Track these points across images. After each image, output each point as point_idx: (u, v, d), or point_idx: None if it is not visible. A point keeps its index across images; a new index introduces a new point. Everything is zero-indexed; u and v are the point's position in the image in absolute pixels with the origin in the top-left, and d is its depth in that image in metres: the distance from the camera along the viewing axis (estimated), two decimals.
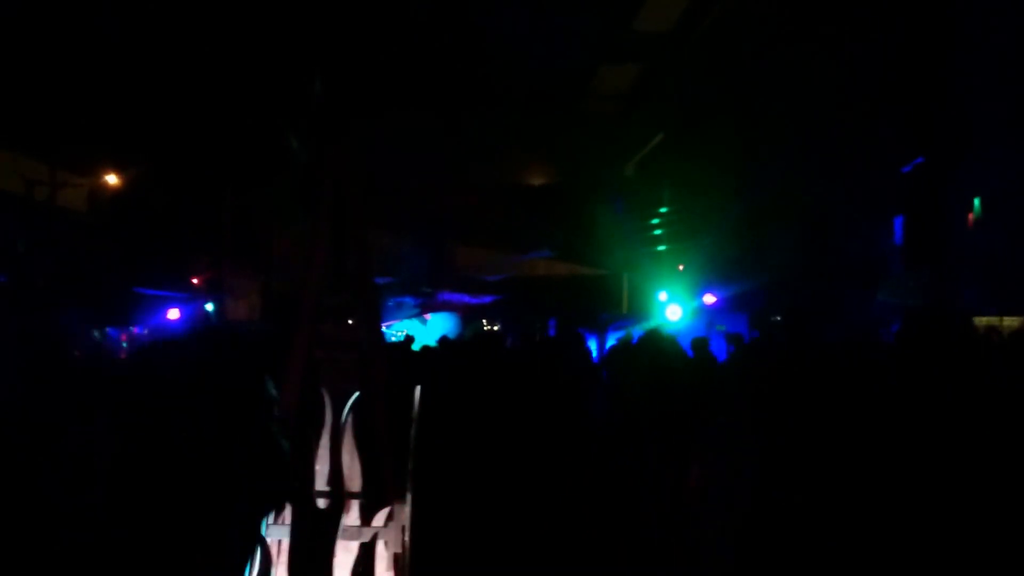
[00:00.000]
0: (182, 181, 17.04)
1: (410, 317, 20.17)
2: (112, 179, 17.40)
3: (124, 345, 14.39)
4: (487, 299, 19.17)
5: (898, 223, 11.82)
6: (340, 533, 3.24)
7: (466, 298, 18.97)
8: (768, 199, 13.19)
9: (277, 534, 3.21)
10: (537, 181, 19.78)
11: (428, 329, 19.21)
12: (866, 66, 11.09)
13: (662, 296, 16.11)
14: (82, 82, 13.80)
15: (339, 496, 3.28)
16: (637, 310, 17.61)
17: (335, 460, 3.32)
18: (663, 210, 17.69)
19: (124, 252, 16.39)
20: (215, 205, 18.39)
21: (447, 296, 18.93)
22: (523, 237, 19.30)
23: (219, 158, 16.81)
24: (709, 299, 14.86)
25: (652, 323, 13.97)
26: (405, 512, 3.32)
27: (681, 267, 16.56)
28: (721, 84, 13.92)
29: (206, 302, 17.69)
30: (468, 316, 19.00)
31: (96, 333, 13.48)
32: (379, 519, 3.41)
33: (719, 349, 9.10)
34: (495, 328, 18.21)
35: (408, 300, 18.73)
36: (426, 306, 18.97)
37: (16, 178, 15.24)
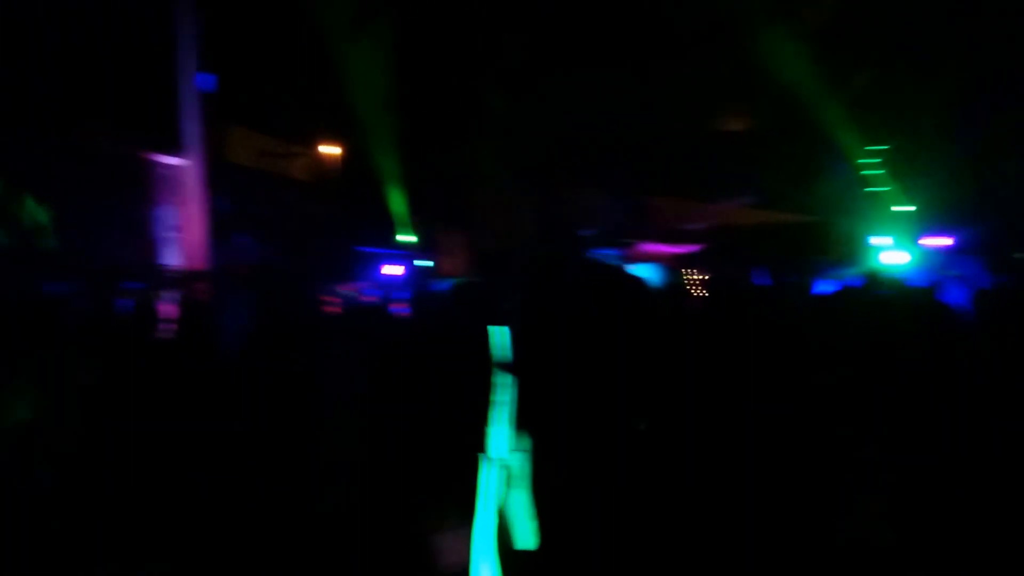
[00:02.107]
0: (391, 145, 18.03)
1: None
2: (330, 149, 18.78)
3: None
4: (689, 249, 18.92)
5: None
6: None
7: (667, 248, 18.82)
8: (997, 131, 12.16)
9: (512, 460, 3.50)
10: (738, 127, 19.21)
11: None
12: None
13: (878, 241, 15.27)
14: (301, 64, 15.15)
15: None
16: (849, 256, 16.80)
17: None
18: (878, 148, 16.66)
19: (344, 214, 17.68)
20: (422, 167, 19.32)
21: (648, 247, 18.87)
22: (724, 185, 18.90)
23: (423, 121, 17.62)
24: (935, 241, 13.93)
25: (868, 270, 13.32)
26: None
27: (901, 208, 15.60)
28: (937, 6, 12.91)
29: (419, 259, 18.69)
30: (670, 266, 18.88)
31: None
32: None
33: (952, 296, 8.58)
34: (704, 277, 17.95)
35: (610, 252, 18.89)
36: (628, 257, 19.04)
37: (249, 152, 16.82)
